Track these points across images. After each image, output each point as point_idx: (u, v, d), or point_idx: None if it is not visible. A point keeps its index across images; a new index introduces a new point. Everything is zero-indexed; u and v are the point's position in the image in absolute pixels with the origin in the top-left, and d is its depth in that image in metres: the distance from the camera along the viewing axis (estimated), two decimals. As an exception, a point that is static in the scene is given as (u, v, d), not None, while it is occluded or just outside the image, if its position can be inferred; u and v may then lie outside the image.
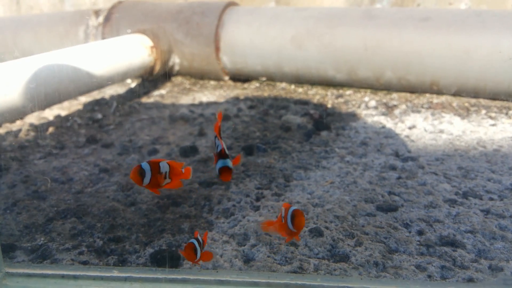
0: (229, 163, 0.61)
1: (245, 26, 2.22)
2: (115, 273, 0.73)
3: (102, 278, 0.73)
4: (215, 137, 0.65)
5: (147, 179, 0.59)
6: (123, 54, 1.99)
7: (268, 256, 0.86)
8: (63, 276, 0.74)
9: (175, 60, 2.35)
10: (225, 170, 0.61)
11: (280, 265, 0.83)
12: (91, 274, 0.73)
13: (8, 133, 1.64)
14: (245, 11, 2.31)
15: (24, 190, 1.18)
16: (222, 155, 0.61)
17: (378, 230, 0.93)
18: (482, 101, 1.89)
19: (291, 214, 0.60)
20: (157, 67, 2.23)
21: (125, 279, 0.72)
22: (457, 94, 1.92)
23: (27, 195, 1.15)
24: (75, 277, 0.73)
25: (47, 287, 0.73)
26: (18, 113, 1.44)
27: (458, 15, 1.92)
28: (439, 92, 1.95)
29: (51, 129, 1.69)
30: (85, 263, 0.85)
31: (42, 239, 0.94)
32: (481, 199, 1.08)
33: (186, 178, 0.62)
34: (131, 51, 2.07)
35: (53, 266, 0.78)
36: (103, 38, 2.44)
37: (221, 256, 0.87)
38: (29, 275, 0.75)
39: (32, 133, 1.63)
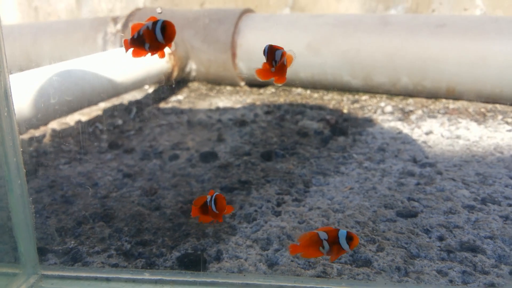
0: None
1: (261, 32, 2.25)
2: (146, 275, 0.75)
3: (133, 281, 0.75)
4: None
5: None
6: (142, 61, 2.04)
7: (292, 261, 0.88)
8: (96, 278, 0.77)
9: (192, 66, 2.38)
10: None
11: (304, 270, 0.85)
12: (123, 276, 0.76)
13: (32, 138, 1.69)
14: (261, 18, 2.34)
15: (51, 194, 1.22)
16: None
17: (399, 236, 0.95)
18: (499, 107, 1.89)
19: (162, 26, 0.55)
20: (175, 73, 2.27)
21: (156, 282, 0.75)
22: (473, 100, 1.93)
23: (54, 200, 1.18)
24: (107, 279, 0.76)
25: (81, 288, 0.76)
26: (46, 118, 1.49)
27: (474, 21, 1.93)
28: (455, 98, 1.96)
29: (74, 135, 1.73)
30: (115, 265, 0.88)
31: (72, 242, 0.98)
32: (499, 205, 1.09)
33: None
34: (150, 58, 2.11)
35: (86, 269, 0.81)
36: (121, 45, 2.49)
37: (245, 260, 0.89)
38: (63, 277, 0.78)
39: (55, 139, 1.68)
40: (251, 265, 0.87)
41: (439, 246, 0.92)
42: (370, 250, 0.90)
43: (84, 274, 0.77)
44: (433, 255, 0.89)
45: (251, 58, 2.27)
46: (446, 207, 1.08)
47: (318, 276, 0.82)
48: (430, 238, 0.95)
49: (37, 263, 0.78)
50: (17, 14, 3.69)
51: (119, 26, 2.59)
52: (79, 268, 0.85)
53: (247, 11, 2.38)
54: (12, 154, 0.71)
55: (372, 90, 2.11)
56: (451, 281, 0.81)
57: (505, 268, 0.85)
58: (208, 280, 0.73)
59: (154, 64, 2.13)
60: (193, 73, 2.40)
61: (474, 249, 0.90)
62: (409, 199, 1.13)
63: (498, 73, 1.82)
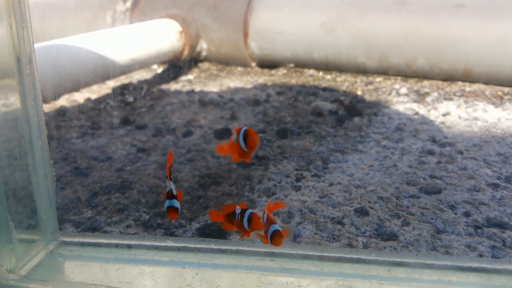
0: (176, 203, 0.63)
1: (275, 11, 2.21)
2: (169, 243, 0.73)
3: (156, 248, 0.73)
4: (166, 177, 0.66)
5: None
6: (154, 38, 2.01)
7: (315, 233, 0.86)
8: (117, 245, 0.75)
9: (203, 46, 2.35)
10: (171, 209, 0.62)
11: (328, 242, 0.83)
12: (145, 243, 0.74)
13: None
14: (274, -3, 2.30)
15: (65, 167, 1.19)
16: (169, 195, 0.63)
17: (424, 211, 0.93)
18: (516, 90, 1.86)
19: (244, 133, 0.59)
20: (185, 52, 2.23)
21: (179, 249, 0.73)
22: (491, 82, 1.89)
23: (69, 172, 1.16)
24: (129, 246, 0.74)
25: (101, 255, 0.74)
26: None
27: (493, 2, 1.89)
28: (473, 80, 1.92)
29: (85, 111, 1.71)
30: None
31: (89, 212, 0.96)
32: (524, 184, 1.07)
33: None
34: (161, 36, 2.08)
35: (107, 236, 0.79)
36: (131, 23, 2.45)
37: (267, 232, 0.87)
38: (83, 244, 0.76)
39: (67, 115, 1.65)
40: (274, 237, 0.85)
41: (466, 222, 0.89)
42: (395, 224, 0.88)
43: (104, 241, 0.75)
44: (460, 230, 0.87)
45: (263, 38, 2.23)
46: (470, 184, 1.05)
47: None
48: (455, 214, 0.93)
49: (56, 229, 0.76)
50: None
51: (128, 4, 2.55)
52: (99, 235, 0.83)
53: (260, -10, 2.33)
54: (34, 114, 0.69)
55: (388, 72, 2.08)
56: (480, 255, 0.78)
57: (535, 244, 0.82)
58: (233, 248, 0.71)
59: (166, 42, 2.09)
60: (204, 53, 2.37)
61: (501, 225, 0.88)
62: (431, 176, 1.10)
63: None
